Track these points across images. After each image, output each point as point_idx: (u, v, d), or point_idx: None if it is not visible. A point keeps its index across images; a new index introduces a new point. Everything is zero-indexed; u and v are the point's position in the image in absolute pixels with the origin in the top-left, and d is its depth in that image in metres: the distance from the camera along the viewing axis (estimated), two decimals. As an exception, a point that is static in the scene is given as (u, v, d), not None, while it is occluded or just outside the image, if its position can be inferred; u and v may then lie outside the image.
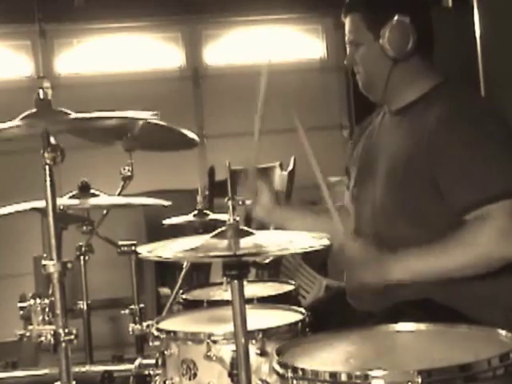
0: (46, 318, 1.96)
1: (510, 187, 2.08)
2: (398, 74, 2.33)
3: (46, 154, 1.76)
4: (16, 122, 1.74)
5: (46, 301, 1.99)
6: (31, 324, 1.96)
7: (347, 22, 2.41)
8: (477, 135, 2.17)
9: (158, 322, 2.17)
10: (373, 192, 2.36)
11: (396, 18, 2.28)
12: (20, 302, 2.13)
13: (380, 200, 2.34)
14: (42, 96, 1.80)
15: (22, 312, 2.11)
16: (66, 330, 1.79)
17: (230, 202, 1.68)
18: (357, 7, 2.38)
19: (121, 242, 2.86)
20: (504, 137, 2.19)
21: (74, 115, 1.79)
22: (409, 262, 2.14)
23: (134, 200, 2.86)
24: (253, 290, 2.55)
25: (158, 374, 2.09)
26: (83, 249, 2.94)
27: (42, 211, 1.97)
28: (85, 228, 2.85)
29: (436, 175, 2.17)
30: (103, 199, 2.74)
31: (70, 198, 2.71)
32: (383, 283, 2.14)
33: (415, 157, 2.23)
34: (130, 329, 2.79)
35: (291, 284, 2.67)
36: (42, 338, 1.85)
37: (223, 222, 1.71)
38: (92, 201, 2.70)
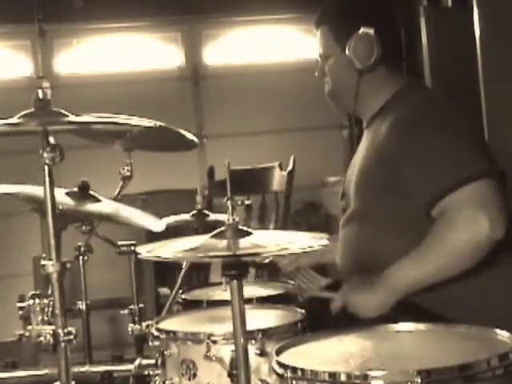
0: (46, 318, 1.96)
1: (459, 177, 2.09)
2: (365, 85, 2.37)
3: (45, 154, 1.76)
4: (11, 120, 1.73)
5: (46, 301, 1.98)
6: (30, 324, 1.96)
7: (318, 35, 2.48)
8: (425, 133, 2.19)
9: (157, 322, 2.17)
10: (349, 205, 2.41)
11: (361, 30, 2.30)
12: (19, 302, 2.12)
13: (352, 212, 2.38)
14: (41, 96, 1.80)
15: (21, 312, 2.11)
16: (66, 330, 1.79)
17: (229, 202, 1.68)
18: (325, 20, 2.45)
19: (120, 242, 2.85)
20: (452, 132, 2.19)
21: (72, 118, 1.79)
22: (395, 283, 2.13)
23: (129, 213, 2.83)
24: (252, 289, 2.55)
25: (157, 374, 2.09)
26: (82, 249, 2.94)
27: (41, 211, 1.97)
28: (84, 228, 2.85)
29: (399, 180, 2.19)
30: (99, 206, 2.73)
31: (69, 194, 2.70)
32: (387, 308, 2.15)
33: (375, 167, 2.28)
34: (130, 329, 2.79)
35: (290, 284, 2.67)
36: (42, 338, 1.85)
37: (222, 222, 1.71)
38: (89, 207, 2.69)
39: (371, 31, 2.30)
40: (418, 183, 2.16)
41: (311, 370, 1.55)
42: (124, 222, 2.74)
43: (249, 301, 2.24)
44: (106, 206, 2.70)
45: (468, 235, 2.04)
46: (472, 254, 2.07)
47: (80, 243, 2.94)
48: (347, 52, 2.33)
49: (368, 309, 2.15)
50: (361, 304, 2.16)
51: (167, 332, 2.06)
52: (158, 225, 2.74)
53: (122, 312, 2.87)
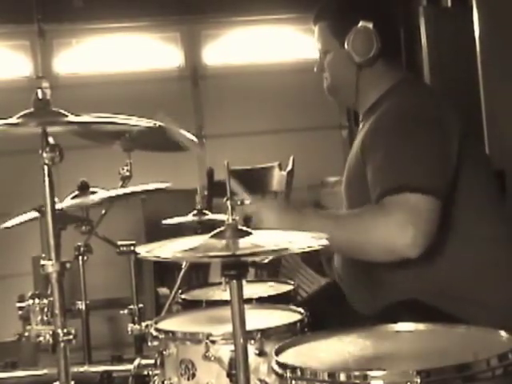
0: (45, 318, 1.96)
1: (407, 183, 2.09)
2: (363, 79, 2.39)
3: (45, 154, 1.76)
4: (11, 120, 1.74)
5: (45, 301, 1.98)
6: (30, 324, 1.96)
7: (316, 31, 2.48)
8: (395, 132, 2.20)
9: (156, 322, 2.17)
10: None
11: (360, 24, 2.30)
12: (19, 302, 2.13)
13: (344, 206, 2.41)
14: (40, 96, 1.80)
15: (20, 312, 2.11)
16: (65, 330, 1.79)
17: (228, 202, 1.68)
18: (323, 16, 2.45)
19: (120, 242, 2.85)
20: (422, 138, 2.19)
21: (71, 118, 1.79)
22: (310, 222, 2.16)
23: (133, 189, 2.85)
24: (251, 289, 2.55)
25: (156, 374, 2.09)
26: (82, 249, 2.94)
27: (41, 211, 1.97)
28: (84, 228, 2.85)
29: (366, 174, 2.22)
30: (103, 194, 2.74)
31: (72, 199, 2.71)
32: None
33: (357, 162, 2.30)
34: (129, 329, 2.79)
35: (290, 284, 2.67)
36: (41, 338, 1.85)
37: (222, 222, 1.71)
38: (92, 196, 2.70)
39: (370, 25, 2.30)
40: (372, 177, 2.18)
41: (310, 370, 1.55)
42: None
43: (248, 301, 2.24)
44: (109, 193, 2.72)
45: (387, 237, 2.05)
46: (382, 253, 2.09)
47: (79, 243, 2.94)
48: (346, 46, 2.34)
49: (269, 220, 2.16)
50: (267, 212, 2.18)
51: (166, 332, 2.05)
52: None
53: (121, 312, 2.87)
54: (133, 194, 2.86)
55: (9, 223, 2.68)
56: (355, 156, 2.33)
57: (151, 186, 2.92)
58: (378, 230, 2.06)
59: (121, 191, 2.77)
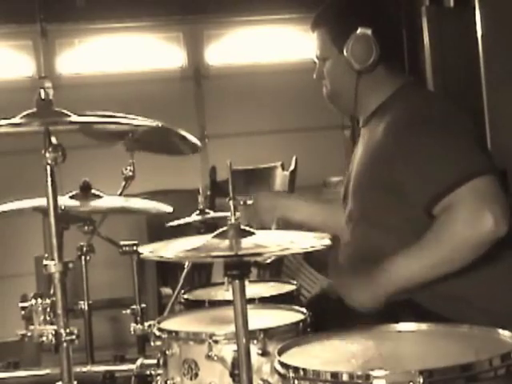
0: (48, 318, 1.96)
1: (462, 174, 2.09)
2: (364, 85, 2.37)
3: (47, 154, 1.76)
4: (13, 120, 1.74)
5: (48, 301, 1.98)
6: (32, 324, 1.96)
7: (314, 37, 2.45)
8: (421, 134, 2.19)
9: (159, 322, 2.17)
10: (348, 205, 2.42)
11: (359, 30, 2.29)
12: (21, 301, 2.12)
13: (350, 212, 2.39)
14: (43, 96, 1.80)
15: (23, 312, 2.11)
16: (68, 330, 1.79)
17: (231, 202, 1.68)
18: (322, 22, 2.43)
19: (122, 242, 2.85)
20: (450, 131, 2.20)
21: (74, 118, 1.79)
22: (393, 275, 2.13)
23: (136, 204, 2.85)
24: (254, 289, 2.55)
25: (159, 374, 2.09)
26: (84, 249, 2.94)
27: (44, 211, 1.97)
28: (86, 228, 2.85)
29: (398, 179, 2.20)
30: (104, 201, 2.74)
31: (71, 197, 2.71)
32: (382, 301, 2.15)
33: (372, 166, 2.29)
34: (132, 329, 2.79)
35: (292, 284, 2.67)
36: (44, 338, 1.85)
37: (225, 221, 1.71)
38: (93, 203, 2.70)
39: (369, 31, 2.29)
40: (416, 183, 2.16)
41: (313, 370, 1.55)
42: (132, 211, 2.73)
43: (251, 301, 2.24)
44: (111, 201, 2.71)
45: (472, 231, 2.04)
46: (474, 250, 2.06)
47: (82, 243, 2.94)
48: (345, 53, 2.32)
49: (363, 300, 2.15)
50: (355, 294, 2.16)
51: (169, 332, 2.06)
52: (165, 208, 2.76)
53: (123, 312, 2.87)
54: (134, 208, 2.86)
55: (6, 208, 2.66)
56: (366, 161, 2.31)
57: (154, 204, 2.92)
58: (461, 233, 2.05)
59: (124, 203, 2.77)
